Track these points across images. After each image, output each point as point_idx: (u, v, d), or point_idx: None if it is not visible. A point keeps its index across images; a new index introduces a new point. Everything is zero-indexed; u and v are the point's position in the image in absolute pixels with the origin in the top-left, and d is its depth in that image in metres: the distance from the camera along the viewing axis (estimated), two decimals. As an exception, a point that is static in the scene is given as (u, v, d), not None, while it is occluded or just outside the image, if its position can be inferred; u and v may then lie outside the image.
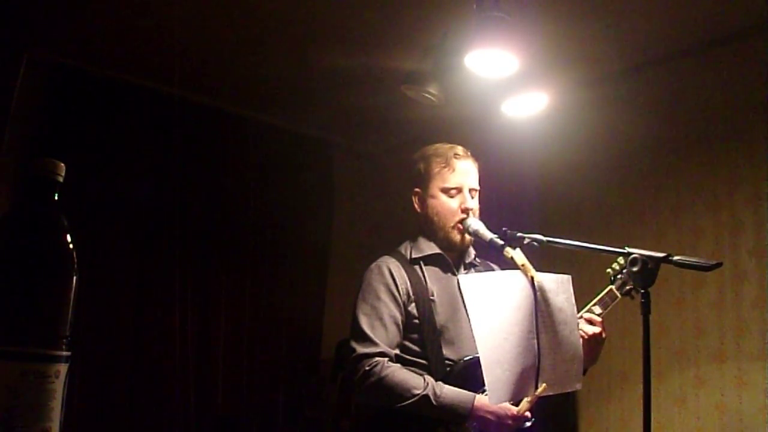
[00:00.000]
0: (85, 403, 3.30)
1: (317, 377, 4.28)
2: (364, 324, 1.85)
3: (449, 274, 1.98)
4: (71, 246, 0.86)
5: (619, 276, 1.89)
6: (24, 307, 0.80)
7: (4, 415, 0.76)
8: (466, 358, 1.84)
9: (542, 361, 1.63)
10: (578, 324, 1.80)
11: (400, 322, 1.87)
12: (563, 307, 1.72)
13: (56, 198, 0.87)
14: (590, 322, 1.83)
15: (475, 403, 1.72)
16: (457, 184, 1.97)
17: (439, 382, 1.78)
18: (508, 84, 2.81)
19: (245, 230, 4.15)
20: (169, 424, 3.60)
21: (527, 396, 1.65)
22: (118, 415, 3.46)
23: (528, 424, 1.74)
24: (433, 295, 1.91)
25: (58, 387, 0.81)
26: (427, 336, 1.86)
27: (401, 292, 1.89)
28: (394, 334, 1.85)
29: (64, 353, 0.83)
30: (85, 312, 3.24)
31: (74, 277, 0.85)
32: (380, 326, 1.84)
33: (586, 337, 1.81)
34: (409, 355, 1.86)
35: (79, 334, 3.12)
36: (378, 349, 1.80)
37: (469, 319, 1.65)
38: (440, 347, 1.85)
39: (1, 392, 0.76)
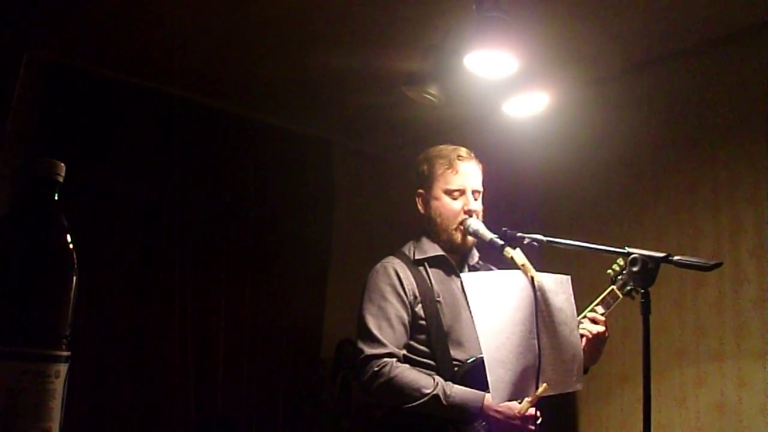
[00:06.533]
0: (85, 403, 3.30)
1: (317, 377, 4.27)
2: (372, 325, 1.84)
3: (452, 276, 1.98)
4: (71, 246, 0.86)
5: (619, 276, 1.90)
6: (24, 307, 0.80)
7: (4, 415, 0.76)
8: (472, 359, 1.84)
9: (543, 361, 1.63)
10: (578, 324, 1.81)
11: (407, 323, 1.87)
12: (563, 308, 1.72)
13: (56, 198, 0.87)
14: (594, 321, 1.84)
15: (485, 402, 1.72)
16: (461, 186, 1.97)
17: (449, 382, 1.78)
18: (509, 84, 2.80)
19: (245, 230, 4.14)
20: (169, 424, 3.60)
21: (528, 396, 1.65)
22: (118, 415, 3.46)
23: (537, 421, 1.74)
24: (438, 296, 1.91)
25: (58, 387, 0.81)
26: (434, 337, 1.86)
27: (407, 293, 1.89)
28: (401, 334, 1.85)
29: (64, 353, 0.83)
30: (85, 312, 3.24)
31: (74, 277, 0.85)
32: (388, 327, 1.84)
33: (590, 336, 1.82)
34: (416, 356, 1.86)
35: (79, 334, 3.12)
36: (386, 350, 1.80)
37: (472, 319, 1.66)
38: (447, 348, 1.86)
39: (1, 392, 0.76)
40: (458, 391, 1.76)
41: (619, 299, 1.89)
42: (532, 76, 2.80)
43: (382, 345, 1.81)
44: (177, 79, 3.74)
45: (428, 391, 1.74)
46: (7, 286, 0.80)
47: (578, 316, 1.83)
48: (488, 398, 1.72)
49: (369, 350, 1.81)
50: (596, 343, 1.83)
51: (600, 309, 1.89)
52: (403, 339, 1.86)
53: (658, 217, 3.26)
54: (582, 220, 3.54)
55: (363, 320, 1.88)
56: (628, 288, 1.87)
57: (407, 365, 1.82)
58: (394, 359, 1.80)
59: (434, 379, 1.77)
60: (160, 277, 3.73)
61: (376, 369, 1.78)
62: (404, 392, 1.75)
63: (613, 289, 1.90)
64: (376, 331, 1.83)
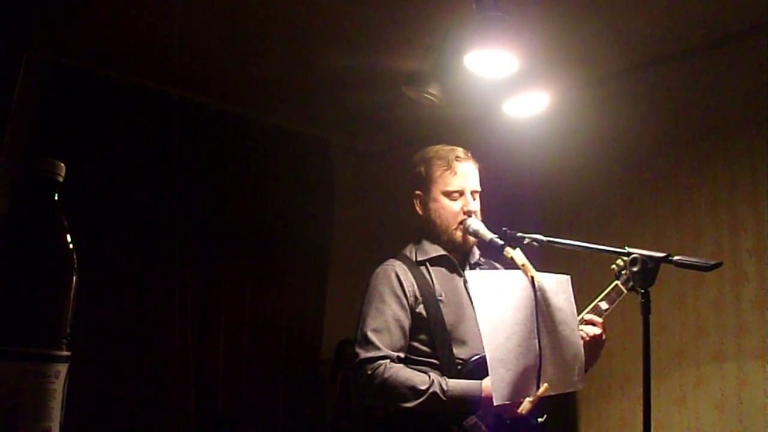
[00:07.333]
0: (85, 403, 3.30)
1: (317, 377, 4.27)
2: (368, 328, 1.85)
3: (455, 275, 1.98)
4: (71, 246, 0.85)
5: (623, 271, 1.88)
6: (24, 307, 0.80)
7: (4, 415, 0.76)
8: (476, 357, 1.83)
9: (543, 361, 1.63)
10: (579, 324, 1.80)
11: (405, 326, 1.86)
12: (563, 307, 1.72)
13: (56, 198, 0.87)
14: (591, 323, 1.83)
15: (483, 391, 1.72)
16: (459, 187, 1.97)
17: (444, 377, 1.78)
18: (509, 84, 2.80)
19: (245, 230, 4.14)
20: (169, 424, 3.60)
21: (529, 396, 1.64)
22: (118, 416, 3.46)
23: (541, 420, 1.74)
24: (441, 296, 1.91)
25: (58, 387, 0.81)
26: (437, 336, 1.86)
27: (408, 295, 1.89)
28: (398, 337, 1.85)
29: (64, 353, 0.83)
30: (85, 312, 3.24)
31: (74, 277, 0.85)
32: (384, 330, 1.84)
33: (587, 338, 1.81)
34: (420, 356, 1.86)
35: (79, 334, 3.12)
36: (380, 353, 1.80)
37: (475, 316, 1.65)
38: (451, 347, 1.85)
39: (1, 392, 0.76)
40: (455, 383, 1.75)
41: (624, 294, 1.88)
42: (533, 75, 2.80)
43: (377, 348, 1.81)
44: (177, 79, 3.74)
45: (424, 388, 1.73)
46: (7, 286, 0.80)
47: (582, 311, 1.83)
48: (486, 386, 1.71)
49: (363, 354, 1.81)
50: (593, 345, 1.82)
51: (604, 305, 1.88)
52: (400, 342, 1.85)
53: (658, 217, 3.26)
54: (582, 220, 3.54)
55: (360, 324, 1.88)
56: (633, 283, 1.86)
57: (401, 365, 1.81)
58: (388, 360, 1.80)
59: (429, 376, 1.77)
60: (160, 277, 3.73)
61: (369, 372, 1.78)
62: (399, 391, 1.75)
63: (617, 284, 1.88)
64: (371, 335, 1.83)
